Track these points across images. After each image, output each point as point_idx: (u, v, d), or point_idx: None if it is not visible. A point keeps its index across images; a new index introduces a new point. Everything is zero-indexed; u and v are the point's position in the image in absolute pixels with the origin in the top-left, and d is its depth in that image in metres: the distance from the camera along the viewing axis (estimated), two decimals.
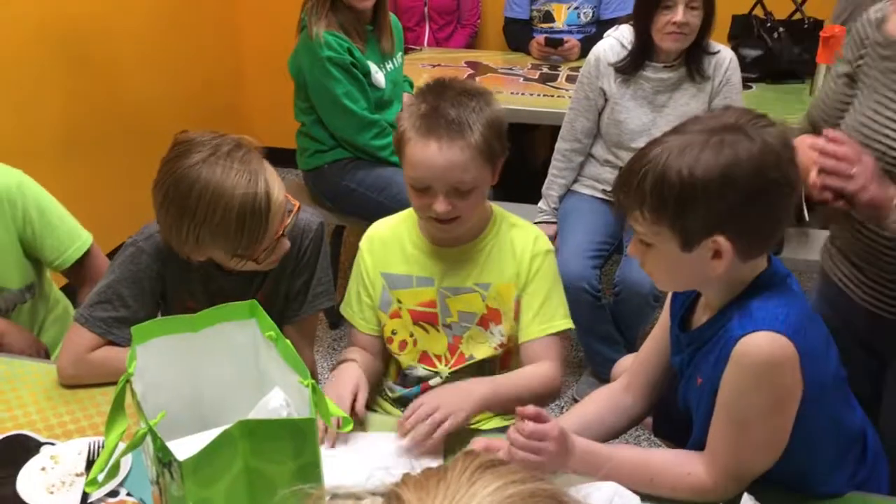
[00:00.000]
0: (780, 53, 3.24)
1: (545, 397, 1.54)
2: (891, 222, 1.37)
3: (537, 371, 1.55)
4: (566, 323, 1.58)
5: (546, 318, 1.56)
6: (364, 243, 1.66)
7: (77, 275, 1.88)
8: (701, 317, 1.32)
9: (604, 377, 2.37)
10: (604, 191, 2.68)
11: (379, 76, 2.80)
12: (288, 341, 1.10)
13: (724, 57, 2.49)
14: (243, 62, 4.31)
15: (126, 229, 3.18)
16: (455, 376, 1.60)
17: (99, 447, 1.38)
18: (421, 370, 1.64)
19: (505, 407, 1.50)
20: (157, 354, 1.13)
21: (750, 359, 1.17)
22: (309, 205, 2.93)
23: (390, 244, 1.63)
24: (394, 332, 1.64)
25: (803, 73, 3.24)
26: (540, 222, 2.76)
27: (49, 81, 2.97)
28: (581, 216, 2.66)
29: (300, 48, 2.75)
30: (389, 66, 2.86)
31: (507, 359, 1.64)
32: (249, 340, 1.17)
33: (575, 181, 2.74)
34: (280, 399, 1.08)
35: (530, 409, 1.25)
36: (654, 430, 1.58)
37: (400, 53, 2.93)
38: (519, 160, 3.80)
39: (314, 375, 1.88)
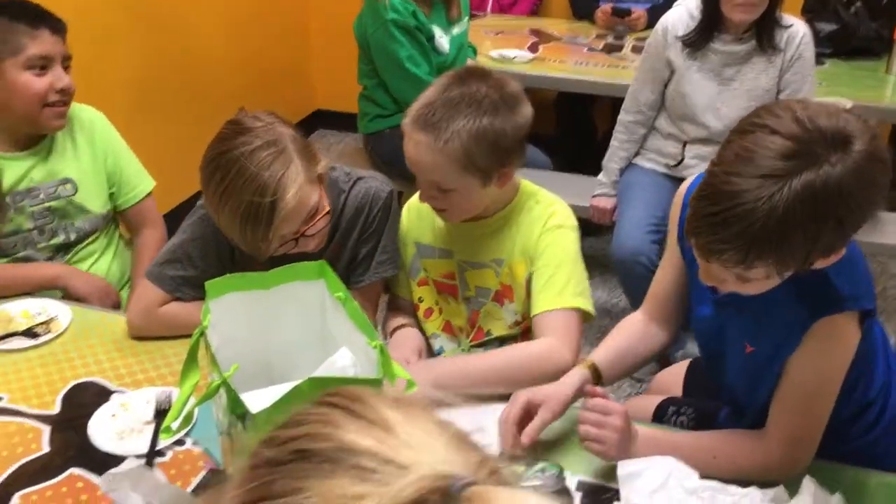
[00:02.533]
0: (856, 29, 3.13)
1: (544, 375, 1.39)
2: None
3: (531, 346, 1.48)
4: (577, 302, 1.49)
5: (554, 292, 1.49)
6: (405, 211, 1.70)
7: (134, 219, 2.03)
8: None
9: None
10: (666, 164, 2.64)
11: (443, 41, 2.79)
12: (356, 303, 1.12)
13: (797, 31, 2.42)
14: (309, 22, 4.33)
15: (189, 187, 3.26)
16: (477, 349, 1.62)
17: (168, 398, 1.42)
18: (444, 339, 1.66)
19: (481, 388, 1.40)
20: (229, 309, 1.16)
21: (838, 342, 1.18)
22: (367, 169, 2.96)
23: (424, 215, 1.64)
24: (420, 300, 1.67)
25: (880, 49, 3.13)
26: (599, 195, 2.74)
27: (117, 39, 3.02)
28: (642, 189, 2.62)
29: (365, 10, 2.75)
30: (455, 30, 2.85)
31: (526, 338, 1.61)
32: (318, 300, 1.19)
33: (637, 154, 2.71)
34: (347, 358, 1.10)
35: (598, 389, 1.26)
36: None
37: (466, 18, 2.91)
38: (580, 131, 3.77)
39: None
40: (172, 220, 1.79)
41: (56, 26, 1.79)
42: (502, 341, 1.60)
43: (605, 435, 1.24)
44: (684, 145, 2.60)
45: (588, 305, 1.51)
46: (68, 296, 1.81)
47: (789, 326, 1.20)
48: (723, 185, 1.05)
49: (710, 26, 2.42)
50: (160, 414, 1.40)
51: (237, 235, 1.41)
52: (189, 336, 1.14)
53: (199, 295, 1.59)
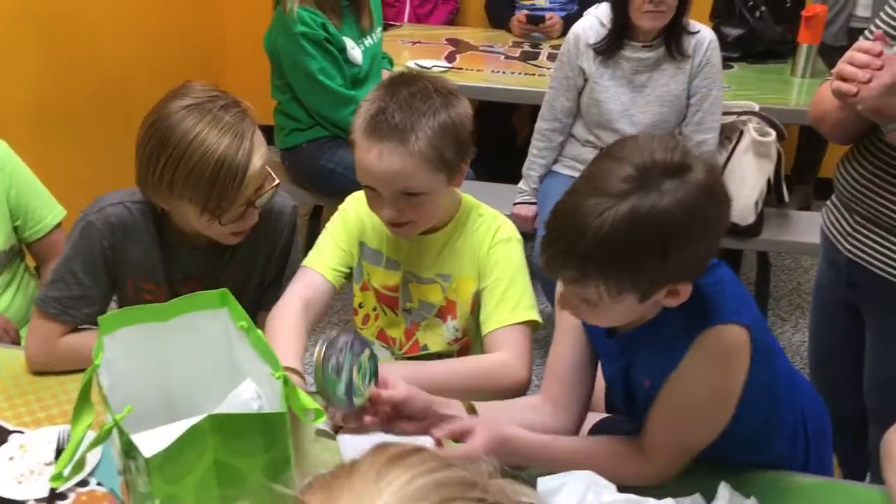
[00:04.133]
0: (762, 33, 3.22)
1: (500, 388, 1.41)
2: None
3: (488, 360, 1.46)
4: (531, 314, 1.48)
5: (508, 308, 1.48)
6: (350, 203, 1.62)
7: (43, 250, 1.91)
8: None
9: None
10: None
11: (355, 52, 2.76)
12: (260, 332, 1.08)
13: (704, 37, 2.47)
14: (222, 35, 4.24)
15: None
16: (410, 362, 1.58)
17: (68, 436, 1.35)
18: (377, 347, 1.62)
19: (442, 391, 1.37)
20: (125, 344, 1.11)
21: (713, 350, 1.19)
22: (286, 184, 2.90)
23: (371, 215, 1.57)
24: (361, 305, 1.63)
25: (786, 52, 3.23)
26: (520, 202, 2.75)
27: (17, 53, 2.90)
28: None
29: (275, 24, 2.71)
30: (368, 41, 2.82)
31: (463, 354, 1.59)
32: (221, 330, 1.15)
33: (555, 161, 2.72)
34: (251, 391, 1.06)
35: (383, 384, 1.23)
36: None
37: (379, 29, 2.89)
38: (500, 139, 3.78)
39: None
40: None
41: None
42: (438, 357, 1.57)
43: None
44: (601, 151, 2.62)
45: (538, 316, 1.51)
46: None
47: (673, 349, 1.21)
48: (565, 203, 1.12)
49: (619, 34, 2.46)
50: (61, 454, 1.32)
51: (201, 190, 1.38)
52: None
53: (92, 314, 1.55)
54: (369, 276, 1.59)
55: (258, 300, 1.64)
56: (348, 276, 1.60)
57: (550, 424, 1.36)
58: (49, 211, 1.89)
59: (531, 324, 1.48)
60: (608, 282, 1.12)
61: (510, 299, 1.48)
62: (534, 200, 2.73)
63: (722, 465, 1.30)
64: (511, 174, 2.87)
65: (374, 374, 1.18)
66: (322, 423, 1.12)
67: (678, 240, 1.09)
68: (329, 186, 2.81)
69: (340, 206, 1.63)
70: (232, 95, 1.48)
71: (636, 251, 1.09)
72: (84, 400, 1.04)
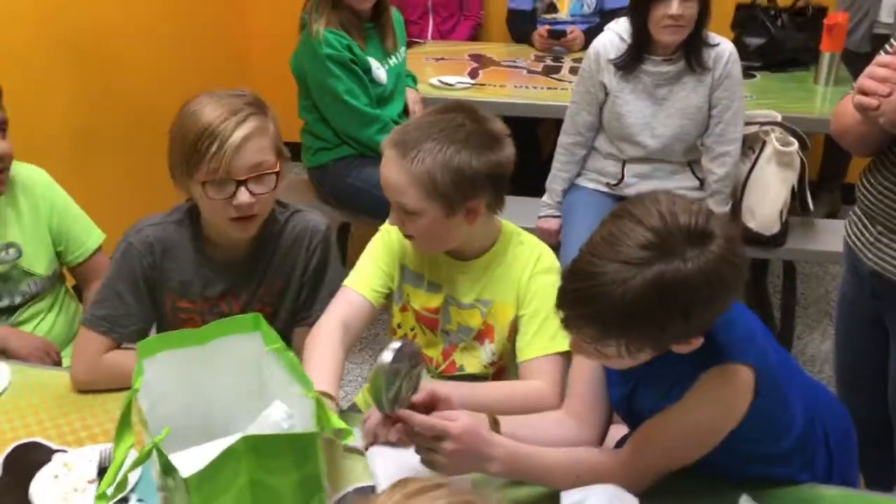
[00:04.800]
0: (784, 41, 3.22)
1: (530, 412, 1.43)
2: None
3: (525, 386, 1.50)
4: (565, 345, 1.49)
5: (546, 337, 1.50)
6: (391, 228, 1.62)
7: (84, 274, 1.99)
8: None
9: None
10: (608, 184, 2.69)
11: (380, 72, 2.81)
12: (291, 353, 1.13)
13: (723, 49, 2.48)
14: (249, 57, 4.33)
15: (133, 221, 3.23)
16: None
17: (110, 454, 1.41)
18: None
19: (479, 411, 1.38)
20: (163, 367, 1.16)
21: (717, 388, 1.21)
22: (314, 202, 2.97)
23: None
24: (399, 326, 1.66)
25: (808, 60, 3.23)
26: (544, 216, 2.78)
27: (53, 81, 2.99)
28: (585, 210, 2.66)
29: (301, 47, 2.77)
30: (392, 61, 2.87)
31: (498, 378, 1.63)
32: (254, 353, 1.20)
33: (578, 175, 2.75)
34: (281, 412, 1.11)
35: (422, 395, 1.23)
36: None
37: (403, 48, 2.94)
38: (524, 153, 3.80)
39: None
40: None
41: None
42: (474, 380, 1.60)
43: (437, 459, 1.21)
44: (623, 164, 2.65)
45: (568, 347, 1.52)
46: (8, 357, 1.78)
47: (678, 385, 1.24)
48: (586, 265, 1.13)
49: (639, 48, 2.48)
50: (103, 472, 1.37)
51: (183, 154, 1.48)
52: None
53: (137, 332, 1.61)
54: (409, 298, 1.63)
55: (294, 316, 1.70)
56: (388, 297, 1.64)
57: (573, 438, 1.39)
58: (89, 235, 1.96)
59: (566, 354, 1.50)
60: (629, 342, 1.15)
61: (548, 330, 1.50)
62: (558, 214, 2.76)
63: (742, 478, 1.32)
64: (536, 188, 2.91)
65: (416, 388, 1.22)
66: (352, 441, 1.16)
67: (700, 305, 1.12)
68: (356, 204, 2.87)
69: (381, 228, 1.65)
70: (256, 96, 1.56)
71: (659, 317, 1.11)
72: (125, 422, 1.08)
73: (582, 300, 1.13)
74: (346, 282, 1.61)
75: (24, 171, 1.89)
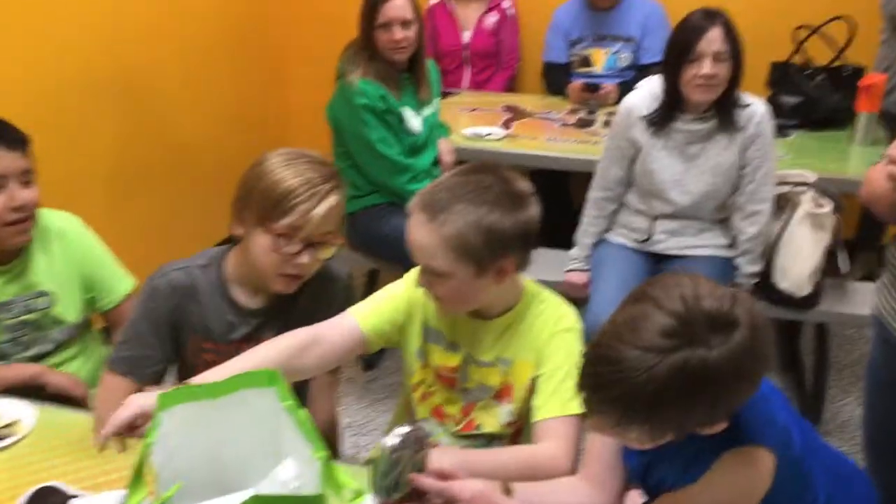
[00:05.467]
0: (820, 101, 3.21)
1: (539, 478, 1.41)
2: None
3: (536, 451, 1.47)
4: (580, 409, 1.45)
5: (564, 398, 1.48)
6: (411, 284, 1.62)
7: (115, 319, 2.01)
8: None
9: None
10: (636, 240, 2.68)
11: (414, 121, 2.85)
12: (304, 411, 1.13)
13: (755, 110, 2.47)
14: (287, 104, 4.41)
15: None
16: (463, 440, 1.60)
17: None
18: (433, 423, 1.64)
19: (485, 476, 1.37)
20: (181, 420, 1.17)
21: (736, 471, 1.19)
22: (343, 249, 3.00)
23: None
24: (421, 382, 1.65)
25: (845, 119, 3.20)
26: (572, 270, 2.77)
27: (95, 122, 3.08)
28: (613, 265, 2.65)
29: (337, 96, 2.82)
30: (426, 111, 2.92)
31: (516, 439, 1.62)
32: (269, 408, 1.20)
33: (608, 229, 2.75)
34: (291, 471, 1.11)
35: (440, 466, 1.21)
36: None
37: (437, 99, 2.98)
38: (554, 205, 3.81)
39: (333, 424, 1.92)
40: None
41: (11, 142, 1.77)
42: (492, 438, 1.59)
43: None
44: (653, 220, 2.64)
45: None
46: (48, 391, 1.81)
47: (696, 464, 1.22)
48: (607, 349, 1.10)
49: (672, 106, 2.48)
50: None
51: (275, 197, 1.53)
52: None
53: (157, 374, 1.64)
54: (429, 355, 1.63)
55: None
56: (385, 341, 1.62)
57: (587, 503, 1.37)
58: (120, 282, 2.00)
59: (582, 416, 1.47)
60: (652, 429, 1.13)
61: (565, 391, 1.48)
62: (586, 267, 2.75)
63: None
64: (566, 240, 2.90)
65: (421, 469, 1.21)
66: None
67: (726, 392, 1.10)
68: (385, 252, 2.89)
69: (411, 278, 1.63)
70: (334, 169, 1.62)
71: (684, 405, 1.09)
72: (139, 474, 1.10)
73: (603, 385, 1.11)
74: (351, 308, 1.61)
75: (57, 220, 1.93)
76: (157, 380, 1.67)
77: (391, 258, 2.86)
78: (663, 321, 1.08)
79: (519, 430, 1.61)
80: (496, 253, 1.43)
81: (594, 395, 1.14)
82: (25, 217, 1.81)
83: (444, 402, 1.63)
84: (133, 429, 1.32)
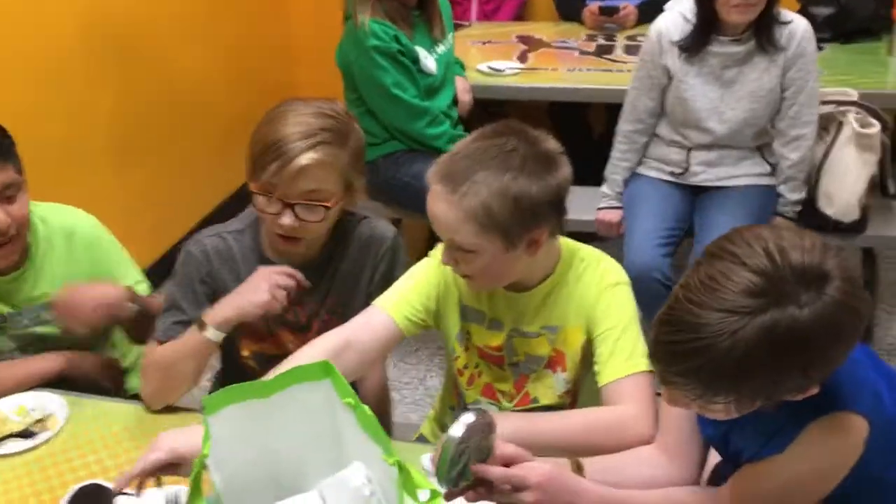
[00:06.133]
0: (854, 10, 3.04)
1: (620, 445, 1.32)
2: None
3: (607, 413, 1.36)
4: (645, 364, 1.37)
5: (622, 357, 1.37)
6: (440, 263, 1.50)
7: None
8: None
9: None
10: (672, 173, 2.55)
11: (429, 62, 2.70)
12: (367, 408, 1.03)
13: (797, 26, 2.32)
14: (293, 49, 4.21)
15: (186, 224, 3.17)
16: None
17: (176, 498, 1.34)
18: (485, 403, 1.54)
19: (554, 447, 1.31)
20: (229, 423, 1.08)
21: (828, 439, 1.10)
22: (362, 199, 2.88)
23: None
24: (466, 367, 1.55)
25: (879, 29, 3.04)
26: (604, 207, 2.65)
27: (98, 82, 2.93)
28: (649, 200, 2.54)
29: (346, 39, 2.66)
30: (440, 49, 2.76)
31: (574, 407, 1.52)
32: (324, 402, 1.10)
33: (640, 163, 2.62)
34: (362, 476, 1.02)
35: (503, 452, 1.12)
36: None
37: (450, 35, 2.82)
38: (574, 138, 3.66)
39: (383, 398, 1.84)
40: (168, 261, 1.69)
41: None
42: (549, 410, 1.49)
43: None
44: (689, 152, 2.51)
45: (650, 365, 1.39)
46: (78, 381, 1.70)
47: (783, 432, 1.13)
48: (685, 313, 1.00)
49: (706, 29, 2.33)
50: None
51: (253, 152, 1.45)
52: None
53: None
54: (471, 336, 1.52)
55: None
56: (423, 328, 1.51)
57: (666, 478, 1.28)
58: (141, 279, 1.80)
59: (650, 373, 1.37)
60: (739, 400, 1.03)
61: (624, 349, 1.38)
62: (619, 205, 2.63)
63: None
64: (588, 174, 2.77)
65: (488, 454, 1.12)
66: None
67: (819, 356, 1.00)
68: (406, 200, 2.76)
69: (433, 254, 1.52)
70: (350, 122, 1.53)
71: (774, 371, 0.99)
72: (195, 492, 1.01)
73: (682, 354, 1.00)
74: (377, 301, 1.50)
75: (64, 218, 1.75)
76: None
77: (412, 206, 2.74)
78: (748, 278, 0.97)
79: (574, 400, 1.52)
80: (526, 223, 1.30)
81: (672, 366, 1.03)
82: (5, 241, 1.60)
83: (494, 380, 1.53)
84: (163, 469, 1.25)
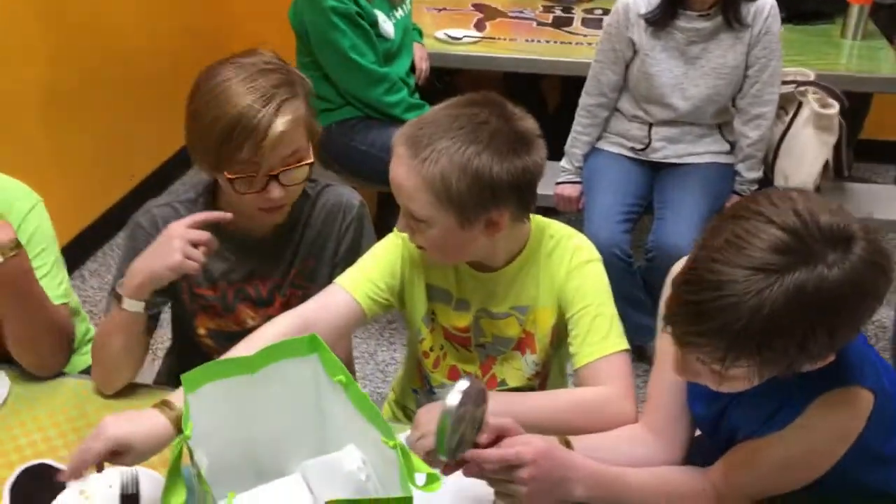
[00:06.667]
0: None
1: (603, 426, 1.28)
2: None
3: (593, 393, 1.32)
4: (623, 343, 1.34)
5: (598, 336, 1.33)
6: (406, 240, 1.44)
7: None
8: None
9: (635, 343, 2.21)
10: (633, 148, 2.53)
11: (387, 25, 2.61)
12: (359, 387, 0.97)
13: (764, 4, 2.32)
14: (234, 8, 4.04)
15: (119, 188, 3.01)
16: None
17: (134, 479, 1.25)
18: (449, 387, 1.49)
19: (537, 425, 1.23)
20: (209, 400, 1.00)
21: (834, 414, 1.09)
22: (317, 168, 2.77)
23: None
24: (431, 349, 1.48)
25: (833, 11, 3.06)
26: (563, 182, 2.62)
27: (29, 40, 2.74)
28: (608, 176, 2.51)
29: None
30: (398, 13, 2.67)
31: (543, 388, 1.48)
32: (309, 378, 1.03)
33: (600, 138, 2.59)
34: (357, 459, 0.95)
35: (486, 437, 1.08)
36: None
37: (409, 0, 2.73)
38: (529, 110, 3.63)
39: (350, 367, 1.77)
40: (105, 224, 1.55)
41: None
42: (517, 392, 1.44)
43: (514, 490, 1.08)
44: (650, 127, 2.49)
45: (627, 343, 1.36)
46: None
47: (787, 406, 1.11)
48: (707, 272, 0.96)
49: (673, 3, 2.30)
50: (127, 500, 1.23)
51: (211, 150, 1.32)
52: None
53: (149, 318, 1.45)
54: (436, 316, 1.45)
55: None
56: (385, 308, 1.43)
57: (653, 457, 1.25)
58: (52, 290, 1.50)
59: (626, 352, 1.34)
60: (762, 364, 0.99)
61: (600, 328, 1.33)
62: (578, 179, 2.60)
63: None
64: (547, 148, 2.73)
65: (480, 428, 1.07)
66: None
67: (846, 317, 0.97)
68: (363, 169, 2.67)
69: (396, 231, 1.42)
70: (290, 68, 1.41)
71: (801, 334, 0.95)
72: (174, 476, 0.93)
73: (706, 314, 0.95)
74: (338, 279, 1.41)
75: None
76: (152, 323, 1.48)
77: (368, 176, 2.65)
78: (776, 235, 0.94)
79: (543, 382, 1.48)
80: (484, 203, 1.23)
81: (693, 326, 0.99)
82: None
83: (458, 361, 1.47)
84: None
